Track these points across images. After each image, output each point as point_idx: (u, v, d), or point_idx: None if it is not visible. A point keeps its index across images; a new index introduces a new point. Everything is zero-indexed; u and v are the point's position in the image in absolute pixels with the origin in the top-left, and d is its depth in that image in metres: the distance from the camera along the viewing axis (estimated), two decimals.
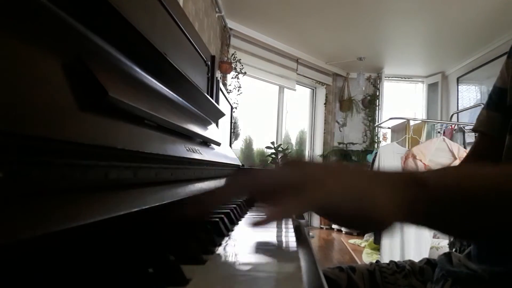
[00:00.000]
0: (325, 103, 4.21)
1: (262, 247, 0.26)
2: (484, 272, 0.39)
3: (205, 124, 0.70)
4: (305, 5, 2.66)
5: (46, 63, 0.23)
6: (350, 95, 4.25)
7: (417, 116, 4.14)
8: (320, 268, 0.23)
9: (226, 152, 0.83)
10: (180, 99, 0.57)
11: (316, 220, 4.00)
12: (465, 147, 2.88)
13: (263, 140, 3.82)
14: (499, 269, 0.38)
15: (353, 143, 4.17)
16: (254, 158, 3.88)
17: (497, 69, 0.50)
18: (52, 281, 0.16)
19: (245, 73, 3.02)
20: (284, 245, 0.28)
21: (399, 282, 0.52)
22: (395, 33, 3.15)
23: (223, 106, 1.64)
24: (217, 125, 0.99)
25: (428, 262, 0.55)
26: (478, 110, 3.22)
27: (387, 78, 4.25)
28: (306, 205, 0.23)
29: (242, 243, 0.27)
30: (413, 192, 0.24)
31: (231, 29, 2.95)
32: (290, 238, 0.29)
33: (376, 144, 4.09)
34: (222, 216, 0.34)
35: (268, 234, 0.33)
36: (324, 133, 4.20)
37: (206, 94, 0.72)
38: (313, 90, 4.32)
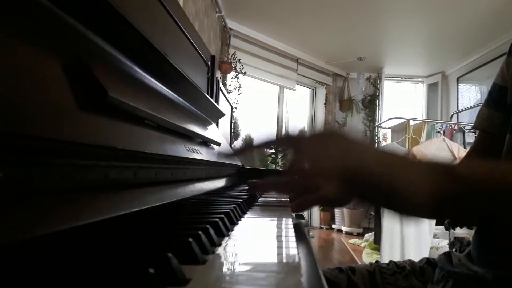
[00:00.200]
0: (325, 103, 4.21)
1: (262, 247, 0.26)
2: (486, 274, 0.39)
3: (205, 124, 0.70)
4: (305, 5, 2.66)
5: (46, 63, 0.23)
6: (350, 95, 4.25)
7: (417, 116, 4.14)
8: (320, 269, 0.23)
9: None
10: (180, 99, 0.57)
11: (316, 220, 4.01)
12: (465, 147, 2.88)
13: None
14: (504, 273, 0.37)
15: None
16: (254, 158, 3.88)
17: (497, 69, 0.50)
18: (52, 281, 0.16)
19: (245, 73, 3.02)
20: (284, 245, 0.28)
21: (399, 283, 0.52)
22: (395, 33, 3.15)
23: (223, 106, 1.64)
24: (217, 125, 0.99)
25: (428, 262, 0.55)
26: (478, 110, 3.21)
27: (387, 78, 4.25)
28: (340, 165, 0.24)
29: (242, 243, 0.27)
30: (445, 180, 0.24)
31: (231, 29, 2.96)
32: (290, 238, 0.29)
33: (376, 144, 4.09)
34: (222, 216, 0.34)
35: (268, 234, 0.33)
36: None
37: (206, 94, 0.72)
38: (313, 90, 4.32)
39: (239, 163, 0.95)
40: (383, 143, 3.76)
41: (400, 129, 3.31)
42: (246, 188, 0.76)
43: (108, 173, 0.27)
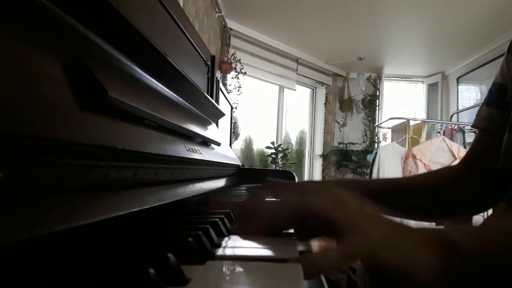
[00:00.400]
0: (325, 103, 4.21)
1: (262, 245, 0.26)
2: None
3: (205, 124, 0.70)
4: (305, 5, 2.66)
5: (46, 63, 0.23)
6: (350, 95, 4.25)
7: (417, 116, 4.14)
8: None
9: (226, 152, 0.83)
10: (180, 99, 0.57)
11: None
12: (465, 147, 2.88)
13: (263, 140, 3.82)
14: None
15: (353, 143, 4.17)
16: (254, 158, 3.88)
17: (497, 69, 0.50)
18: (52, 281, 0.16)
19: (245, 73, 3.02)
20: (284, 244, 0.28)
21: None
22: (395, 33, 3.15)
23: (223, 106, 1.64)
24: (217, 125, 0.99)
25: None
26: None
27: (387, 78, 4.25)
28: (348, 258, 0.22)
29: (242, 243, 0.27)
30: (447, 259, 0.23)
31: (231, 29, 2.96)
32: (290, 238, 0.29)
33: (376, 144, 4.09)
34: (222, 216, 0.34)
35: (268, 234, 0.33)
36: (324, 133, 4.20)
37: (206, 94, 0.72)
38: (313, 90, 4.32)
39: (239, 163, 0.95)
40: (383, 143, 3.76)
41: (400, 129, 3.31)
42: (246, 187, 0.76)
43: (108, 173, 0.27)
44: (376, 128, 4.08)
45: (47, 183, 0.20)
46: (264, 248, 0.26)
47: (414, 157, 2.62)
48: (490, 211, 0.50)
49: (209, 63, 0.97)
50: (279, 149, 3.31)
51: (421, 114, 4.30)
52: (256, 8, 2.74)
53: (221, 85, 1.64)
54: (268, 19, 2.95)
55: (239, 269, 0.20)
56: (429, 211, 0.50)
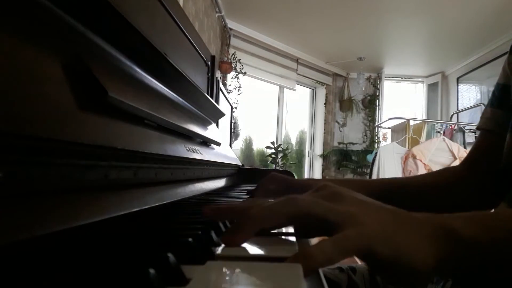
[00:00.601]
0: (325, 103, 4.21)
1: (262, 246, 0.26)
2: None
3: (205, 124, 0.70)
4: (305, 5, 2.66)
5: (46, 63, 0.23)
6: (350, 95, 4.25)
7: (417, 116, 4.14)
8: (320, 269, 0.23)
9: (226, 152, 0.83)
10: (180, 99, 0.57)
11: None
12: (465, 147, 2.88)
13: (263, 140, 3.82)
14: None
15: (353, 143, 4.17)
16: (254, 158, 3.88)
17: (497, 69, 0.50)
18: (52, 281, 0.16)
19: (245, 73, 3.02)
20: (284, 244, 0.28)
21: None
22: (395, 33, 3.15)
23: (223, 106, 1.64)
24: (217, 125, 0.99)
25: None
26: (478, 110, 3.23)
27: (387, 78, 4.25)
28: (344, 250, 0.21)
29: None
30: (448, 247, 0.23)
31: (231, 29, 2.96)
32: (290, 237, 0.29)
33: (376, 144, 4.09)
34: None
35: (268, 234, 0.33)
36: (324, 133, 4.20)
37: (206, 94, 0.72)
38: (313, 90, 4.32)
39: (239, 163, 0.95)
40: (383, 143, 3.76)
41: (400, 129, 3.31)
42: (247, 187, 0.76)
43: (108, 173, 0.27)
44: (376, 128, 4.08)
45: (47, 183, 0.20)
46: (264, 247, 0.26)
47: (414, 157, 2.62)
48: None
49: (209, 63, 0.97)
50: (279, 149, 3.31)
51: (421, 114, 4.31)
52: (256, 8, 2.74)
53: (221, 85, 1.64)
54: (268, 19, 2.95)
55: (239, 269, 0.20)
56: (430, 211, 0.50)
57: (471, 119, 3.32)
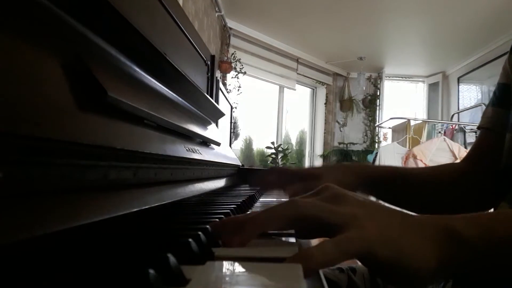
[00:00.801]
0: (325, 103, 4.21)
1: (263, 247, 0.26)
2: None
3: (205, 124, 0.70)
4: (305, 5, 2.66)
5: (45, 63, 0.23)
6: (351, 95, 4.25)
7: (418, 116, 4.14)
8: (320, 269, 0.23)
9: (226, 152, 0.83)
10: (180, 99, 0.57)
11: None
12: (465, 147, 2.88)
13: (263, 140, 3.82)
14: None
15: (353, 143, 4.17)
16: (254, 158, 3.88)
17: (498, 68, 0.50)
18: (52, 281, 0.16)
19: (245, 72, 3.02)
20: (284, 244, 0.28)
21: None
22: (396, 33, 3.15)
23: (223, 106, 1.64)
24: (217, 125, 0.99)
25: None
26: (479, 110, 3.22)
27: (387, 78, 4.25)
28: (345, 252, 0.21)
29: None
30: (451, 249, 0.23)
31: (231, 28, 2.95)
32: (290, 238, 0.29)
33: (376, 144, 4.09)
34: (222, 216, 0.34)
35: (268, 234, 0.33)
36: (324, 133, 4.20)
37: (206, 94, 0.72)
38: (313, 90, 4.31)
39: (239, 163, 0.95)
40: (384, 143, 3.76)
41: (401, 129, 3.31)
42: (247, 188, 0.76)
43: (108, 173, 0.27)
44: (377, 128, 4.08)
45: (47, 183, 0.20)
46: (264, 248, 0.26)
47: (414, 157, 2.61)
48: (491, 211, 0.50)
49: (209, 62, 0.97)
50: (279, 149, 3.31)
51: (422, 114, 4.30)
52: (256, 7, 2.74)
53: (221, 85, 1.64)
54: (268, 19, 2.95)
55: (239, 269, 0.20)
56: (428, 205, 0.50)
57: (472, 119, 3.32)
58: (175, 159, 0.41)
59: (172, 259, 0.18)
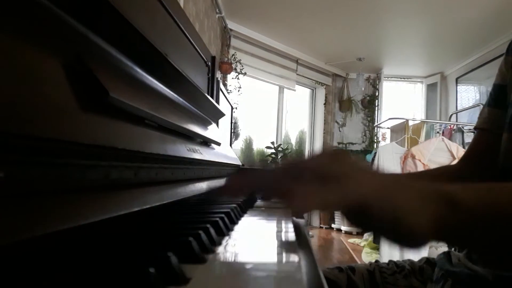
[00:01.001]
0: (324, 103, 4.22)
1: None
2: (487, 274, 0.39)
3: (205, 124, 0.70)
4: (305, 6, 2.66)
5: (46, 63, 0.23)
6: (350, 95, 4.25)
7: (416, 116, 4.15)
8: (320, 268, 0.23)
9: (226, 152, 0.83)
10: (181, 99, 0.57)
11: (315, 219, 4.01)
12: (464, 147, 2.88)
13: (263, 140, 3.82)
14: (504, 272, 0.37)
15: (352, 143, 4.18)
16: (254, 158, 3.88)
17: (496, 69, 0.51)
18: (53, 281, 0.16)
19: (245, 73, 3.02)
20: (284, 244, 0.28)
21: (399, 283, 0.52)
22: (394, 34, 3.15)
23: (223, 106, 1.64)
24: (217, 125, 0.99)
25: (427, 261, 0.55)
26: (477, 110, 3.23)
27: (386, 78, 4.26)
28: (337, 200, 0.22)
29: (242, 243, 0.27)
30: (446, 210, 0.23)
31: (231, 30, 2.96)
32: (289, 238, 0.29)
33: (375, 144, 4.10)
34: (222, 215, 0.34)
35: (268, 234, 0.33)
36: (323, 133, 4.20)
37: (206, 95, 0.72)
38: (313, 90, 4.32)
39: (240, 163, 0.95)
40: (382, 143, 3.76)
41: (399, 129, 3.32)
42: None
43: (109, 173, 0.27)
44: (376, 128, 4.08)
45: (48, 183, 0.20)
46: (264, 247, 0.26)
47: (413, 157, 2.62)
48: None
49: (209, 63, 0.97)
50: (279, 149, 3.31)
51: (420, 114, 4.31)
52: (256, 9, 2.74)
53: (221, 86, 1.64)
54: (268, 20, 2.95)
55: (239, 268, 0.20)
56: None
57: (470, 119, 3.32)
58: (176, 159, 0.41)
59: (173, 258, 0.18)
